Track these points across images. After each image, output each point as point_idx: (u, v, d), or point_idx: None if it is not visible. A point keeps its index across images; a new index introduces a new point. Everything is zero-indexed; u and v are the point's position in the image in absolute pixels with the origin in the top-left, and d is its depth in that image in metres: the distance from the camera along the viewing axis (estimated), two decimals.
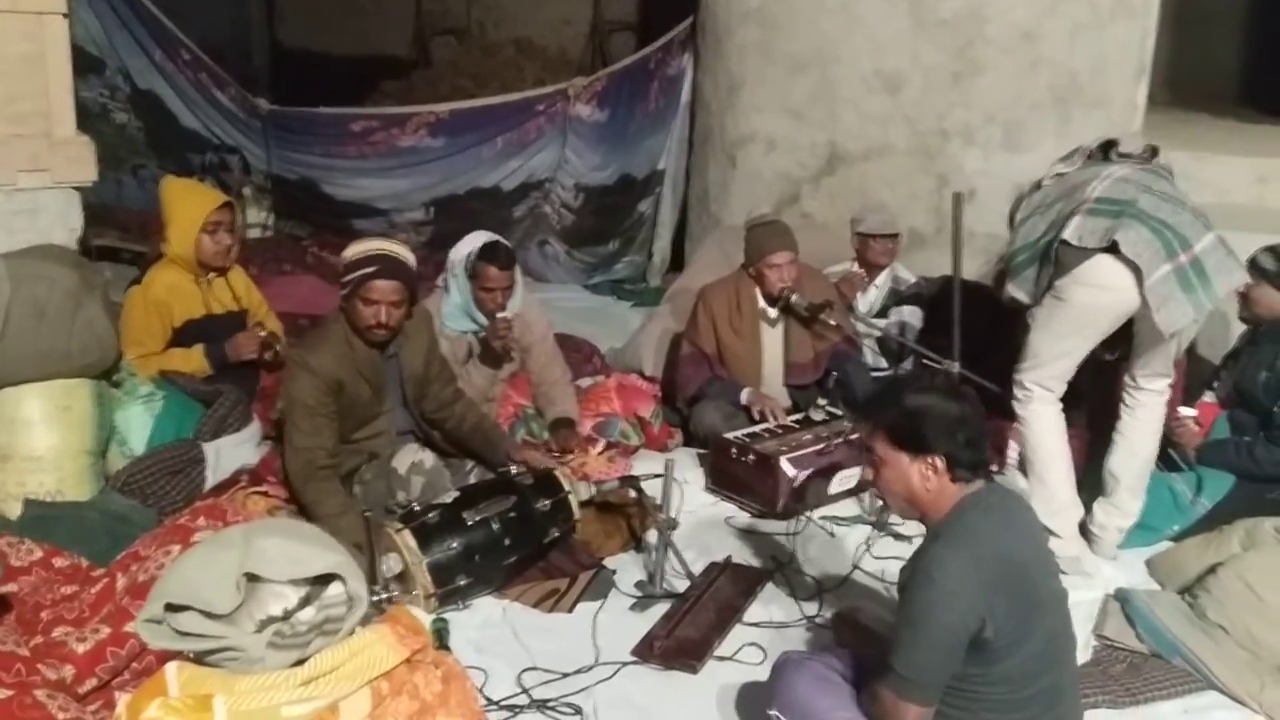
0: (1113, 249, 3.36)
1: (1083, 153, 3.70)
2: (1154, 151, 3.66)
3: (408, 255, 3.60)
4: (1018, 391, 3.67)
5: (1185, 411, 4.04)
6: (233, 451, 3.82)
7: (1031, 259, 3.60)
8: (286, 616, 1.71)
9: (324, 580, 1.75)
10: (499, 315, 4.15)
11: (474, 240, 4.27)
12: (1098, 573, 3.61)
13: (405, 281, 3.52)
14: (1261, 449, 3.78)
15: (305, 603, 1.73)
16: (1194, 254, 3.36)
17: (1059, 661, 2.36)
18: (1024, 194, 3.81)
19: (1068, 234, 3.45)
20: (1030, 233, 3.63)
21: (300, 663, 1.73)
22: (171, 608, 1.70)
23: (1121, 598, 3.40)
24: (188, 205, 4.07)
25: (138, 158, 6.82)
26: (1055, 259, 3.50)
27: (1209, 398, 4.14)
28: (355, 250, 3.55)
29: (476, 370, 4.24)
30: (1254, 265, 3.87)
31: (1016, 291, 3.67)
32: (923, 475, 2.37)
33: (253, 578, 1.69)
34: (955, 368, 4.02)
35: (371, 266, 3.46)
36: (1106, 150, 3.66)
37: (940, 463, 2.35)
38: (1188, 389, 4.20)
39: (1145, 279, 3.35)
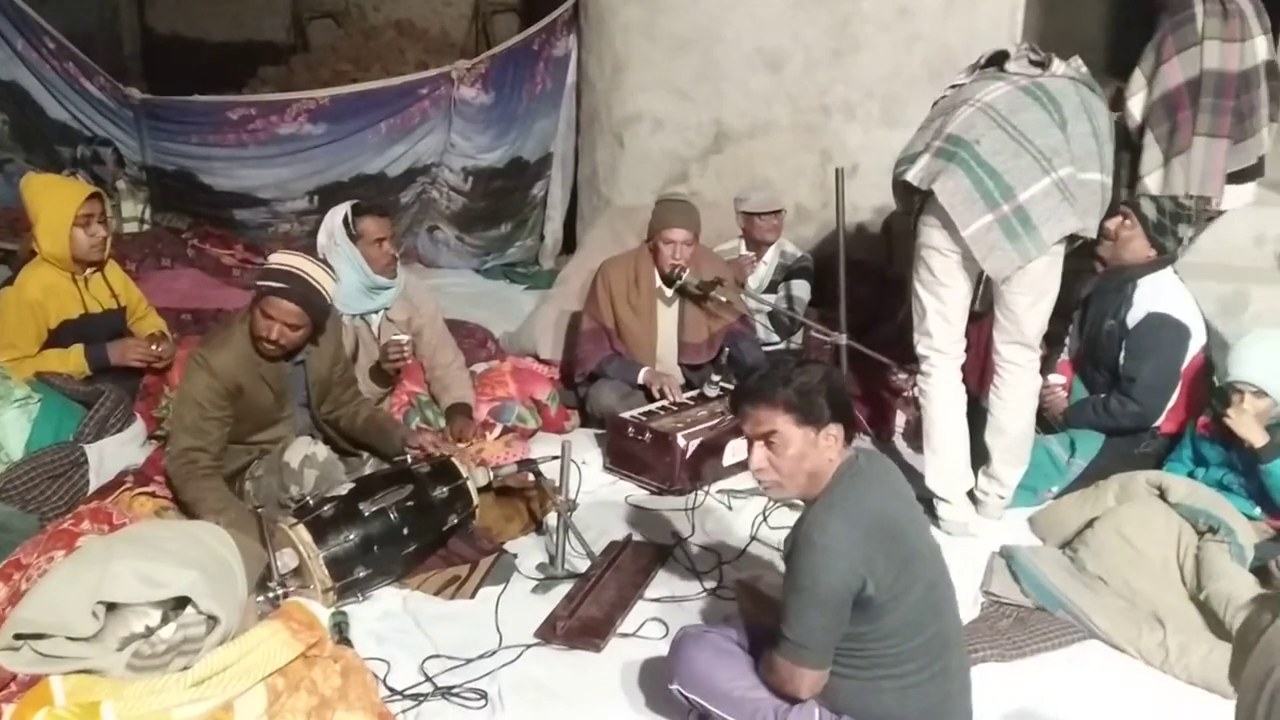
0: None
1: (978, 62, 3.65)
2: (1044, 63, 3.52)
3: (326, 283, 3.48)
4: (921, 364, 3.71)
5: (1054, 379, 4.13)
6: (117, 452, 3.73)
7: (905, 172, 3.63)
8: (149, 633, 1.69)
9: (184, 599, 1.73)
10: (394, 338, 4.09)
11: (338, 210, 4.18)
12: (982, 533, 3.71)
13: (309, 309, 3.43)
14: (1115, 403, 3.91)
15: (166, 620, 1.70)
16: (1018, 203, 3.41)
17: (941, 611, 2.43)
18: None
19: (911, 174, 3.51)
20: (913, 145, 3.66)
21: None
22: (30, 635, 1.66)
23: (1006, 555, 3.50)
24: (55, 201, 3.93)
25: (4, 152, 6.52)
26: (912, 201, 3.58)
27: (1065, 356, 4.23)
28: (276, 260, 3.45)
29: (365, 383, 4.17)
30: (1134, 209, 3.94)
31: (895, 194, 3.76)
32: (827, 447, 2.41)
33: (110, 605, 1.67)
34: (843, 339, 4.11)
35: (281, 284, 3.37)
36: (1002, 61, 3.58)
37: (839, 431, 2.41)
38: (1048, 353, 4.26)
39: (961, 230, 3.43)
